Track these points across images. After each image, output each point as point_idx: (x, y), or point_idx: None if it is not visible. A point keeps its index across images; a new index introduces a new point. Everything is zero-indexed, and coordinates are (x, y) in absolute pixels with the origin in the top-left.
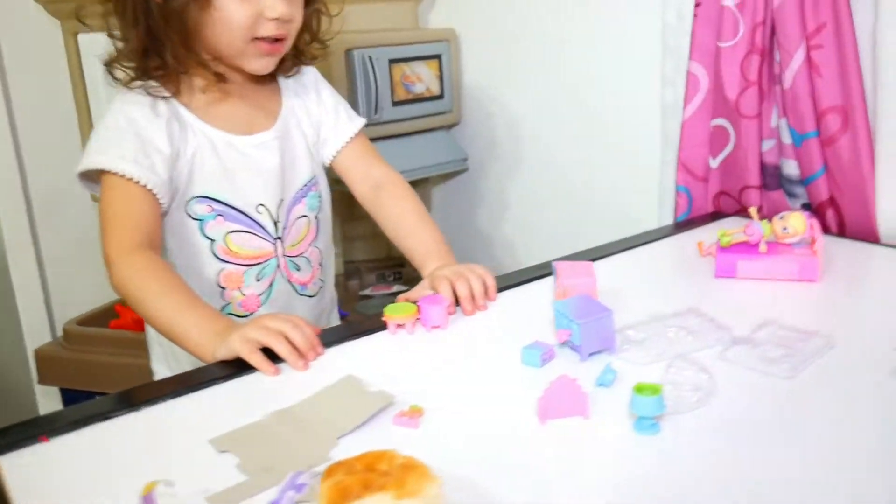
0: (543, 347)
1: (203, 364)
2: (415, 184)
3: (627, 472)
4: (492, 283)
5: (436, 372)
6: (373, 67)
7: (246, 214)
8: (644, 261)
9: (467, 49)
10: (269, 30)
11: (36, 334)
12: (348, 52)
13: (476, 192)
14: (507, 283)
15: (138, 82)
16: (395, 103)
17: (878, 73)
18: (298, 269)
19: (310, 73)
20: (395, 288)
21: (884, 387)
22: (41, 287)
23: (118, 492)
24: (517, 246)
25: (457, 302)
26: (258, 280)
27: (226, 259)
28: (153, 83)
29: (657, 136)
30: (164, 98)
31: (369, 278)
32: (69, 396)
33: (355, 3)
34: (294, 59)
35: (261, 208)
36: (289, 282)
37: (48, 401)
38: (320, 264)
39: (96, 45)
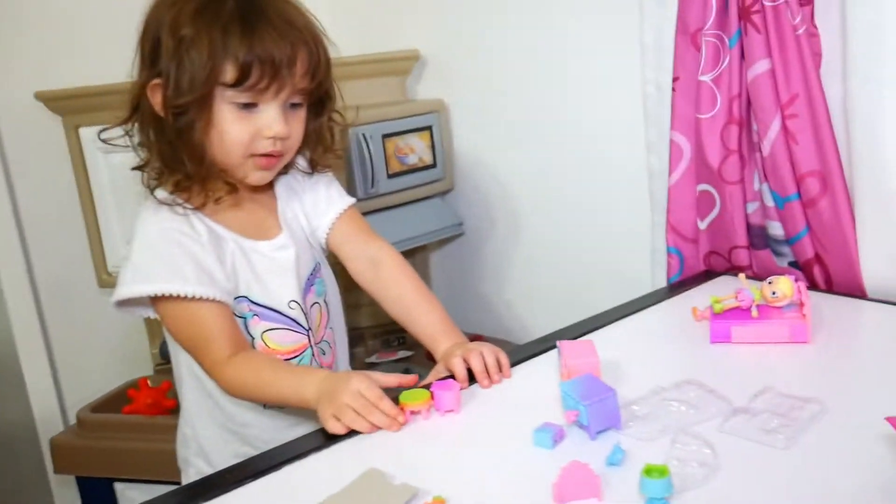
0: (553, 429)
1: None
2: (413, 251)
3: None
4: (505, 360)
5: (454, 459)
6: (367, 144)
7: (280, 312)
8: (642, 329)
9: (457, 118)
10: (265, 147)
11: (48, 423)
12: (342, 131)
13: (474, 258)
14: (513, 358)
15: (165, 194)
16: (391, 175)
17: (851, 139)
18: (324, 354)
19: (299, 164)
20: (400, 353)
21: (876, 452)
22: (52, 375)
23: None
24: (518, 309)
25: (472, 379)
26: None
27: None
28: (179, 199)
29: (646, 200)
30: (192, 212)
31: (374, 345)
32: (86, 484)
33: (344, 79)
34: (309, 170)
35: (293, 304)
36: (320, 367)
37: (64, 490)
38: (335, 343)
39: (95, 137)
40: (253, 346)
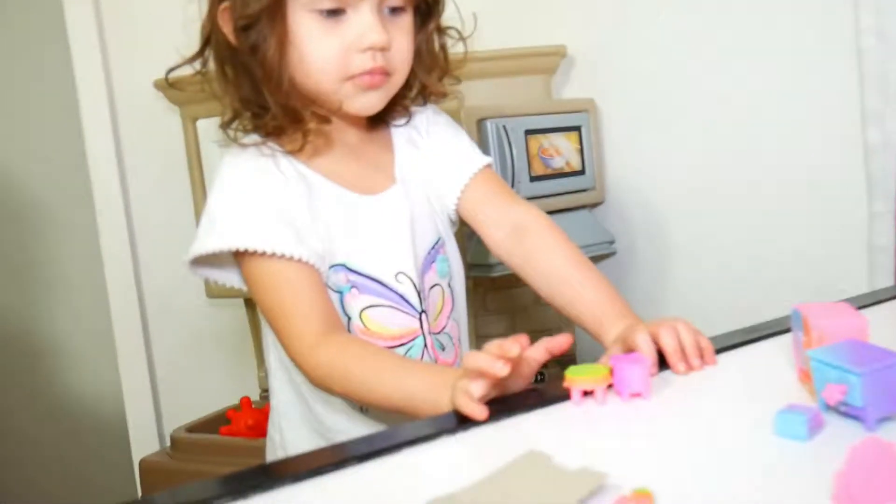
0: (807, 411)
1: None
2: None
3: None
4: (707, 343)
5: (648, 448)
6: (508, 138)
7: (384, 285)
8: (887, 319)
9: (608, 123)
10: (364, 63)
11: (143, 443)
12: (481, 122)
13: (626, 279)
14: (717, 345)
15: (254, 137)
16: (533, 178)
17: None
18: (443, 349)
19: (422, 113)
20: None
21: None
22: (151, 393)
23: None
24: None
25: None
26: None
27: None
28: (269, 142)
29: (860, 184)
30: (283, 154)
31: None
32: None
33: (485, 77)
34: (419, 98)
35: (401, 277)
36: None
37: None
38: (459, 340)
39: (215, 129)
40: (349, 331)
